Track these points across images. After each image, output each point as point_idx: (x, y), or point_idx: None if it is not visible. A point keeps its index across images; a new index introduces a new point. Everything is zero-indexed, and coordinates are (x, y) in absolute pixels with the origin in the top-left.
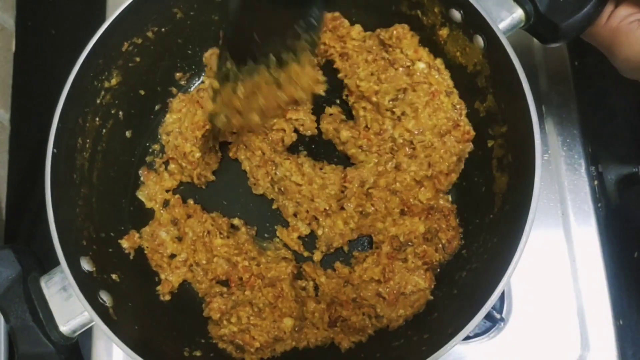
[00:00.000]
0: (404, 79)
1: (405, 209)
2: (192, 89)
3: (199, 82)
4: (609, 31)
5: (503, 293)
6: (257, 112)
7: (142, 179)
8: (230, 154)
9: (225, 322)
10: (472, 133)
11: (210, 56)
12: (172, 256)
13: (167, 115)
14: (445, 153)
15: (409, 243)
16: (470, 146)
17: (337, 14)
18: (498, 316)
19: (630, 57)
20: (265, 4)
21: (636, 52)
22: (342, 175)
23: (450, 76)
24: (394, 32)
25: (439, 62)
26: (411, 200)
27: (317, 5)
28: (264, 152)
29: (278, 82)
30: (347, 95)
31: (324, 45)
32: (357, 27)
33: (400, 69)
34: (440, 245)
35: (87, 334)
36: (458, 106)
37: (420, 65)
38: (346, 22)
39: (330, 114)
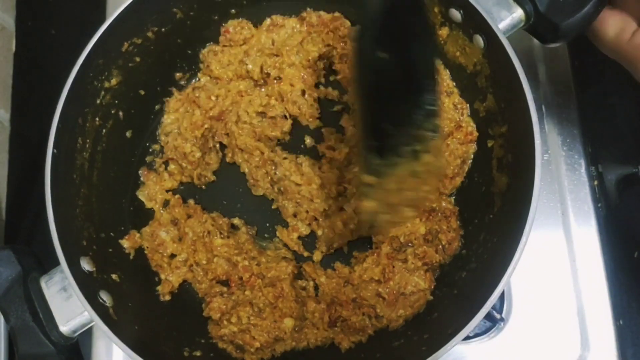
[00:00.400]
0: None
1: None
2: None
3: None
4: (634, 48)
5: (503, 293)
6: (409, 206)
7: (142, 179)
8: (227, 159)
9: (225, 322)
10: (475, 134)
11: (208, 53)
12: (172, 256)
13: (165, 116)
14: (450, 156)
15: (409, 244)
16: (473, 147)
17: (337, 14)
18: (498, 316)
19: None
20: (386, 95)
21: None
22: (339, 174)
23: (450, 76)
24: None
25: (437, 63)
26: None
27: (427, 90)
28: (263, 152)
29: (417, 175)
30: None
31: (327, 47)
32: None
33: None
34: (441, 247)
35: (87, 334)
36: (459, 106)
37: None
38: (347, 22)
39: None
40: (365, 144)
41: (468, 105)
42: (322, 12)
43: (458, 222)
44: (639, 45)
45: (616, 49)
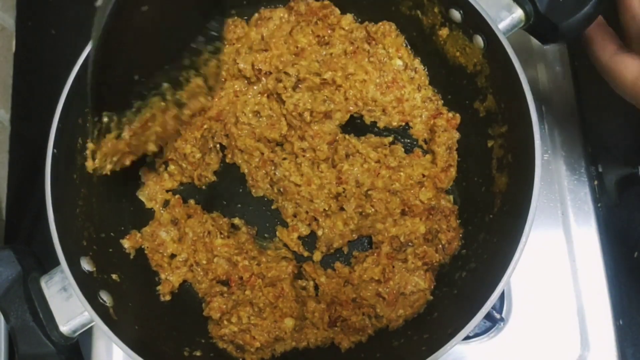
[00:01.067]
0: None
1: (406, 209)
2: None
3: None
4: None
5: (503, 293)
6: (152, 141)
7: (142, 179)
8: (227, 160)
9: (225, 322)
10: (458, 117)
11: None
12: (173, 256)
13: None
14: (434, 144)
15: (409, 243)
16: (457, 134)
17: (326, 2)
18: (498, 316)
19: None
20: (140, 36)
21: None
22: (337, 173)
23: (427, 73)
24: (381, 27)
25: (417, 62)
26: (412, 199)
27: (215, 17)
28: (263, 153)
29: (179, 103)
30: None
31: (318, 38)
32: (349, 17)
33: (377, 62)
34: (440, 246)
35: (87, 334)
36: (433, 98)
37: (398, 62)
38: (337, 11)
39: None
40: (94, 113)
41: (440, 95)
42: (310, 0)
43: (457, 220)
44: None
45: (634, 93)
